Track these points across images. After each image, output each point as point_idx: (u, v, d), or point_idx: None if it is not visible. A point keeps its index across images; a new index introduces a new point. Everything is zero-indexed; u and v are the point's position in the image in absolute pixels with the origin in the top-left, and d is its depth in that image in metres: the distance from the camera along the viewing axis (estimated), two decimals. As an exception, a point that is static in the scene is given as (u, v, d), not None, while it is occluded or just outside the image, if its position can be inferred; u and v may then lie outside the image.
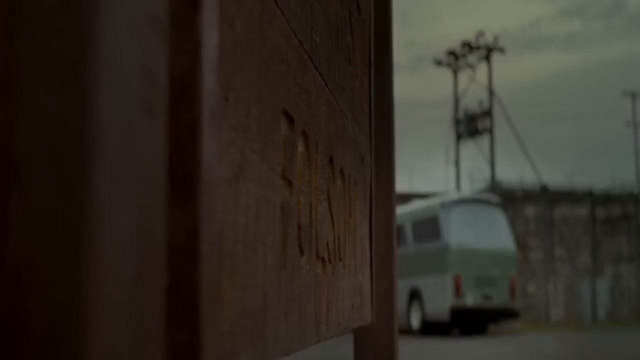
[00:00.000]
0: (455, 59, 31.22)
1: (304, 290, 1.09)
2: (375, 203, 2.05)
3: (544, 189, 29.82)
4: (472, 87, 30.99)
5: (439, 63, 31.49)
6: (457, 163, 31.35)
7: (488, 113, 30.10)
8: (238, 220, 0.77)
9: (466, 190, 28.52)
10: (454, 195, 21.24)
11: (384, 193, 2.08)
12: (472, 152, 31.35)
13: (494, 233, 18.71)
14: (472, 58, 30.90)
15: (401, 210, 21.56)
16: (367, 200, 1.91)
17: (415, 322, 18.92)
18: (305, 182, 1.13)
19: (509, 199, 29.70)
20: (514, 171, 32.31)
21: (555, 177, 31.79)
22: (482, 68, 30.45)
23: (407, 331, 19.29)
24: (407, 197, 27.12)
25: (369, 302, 1.94)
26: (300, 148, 1.11)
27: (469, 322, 18.41)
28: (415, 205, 21.06)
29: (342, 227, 1.48)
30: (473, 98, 31.01)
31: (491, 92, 29.88)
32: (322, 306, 1.22)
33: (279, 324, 0.92)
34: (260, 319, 0.84)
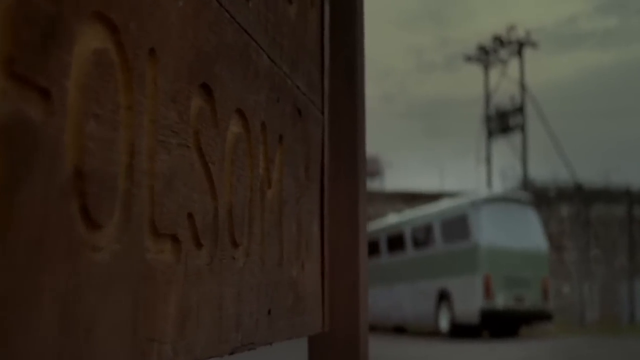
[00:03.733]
0: (486, 54, 30.42)
1: (93, 287, 0.63)
2: (333, 177, 1.58)
3: (578, 188, 28.95)
4: (505, 83, 30.23)
5: (469, 59, 30.74)
6: (488, 161, 30.58)
7: (520, 109, 29.32)
8: None
9: (498, 188, 27.80)
10: (484, 193, 20.56)
11: (346, 164, 1.61)
12: (504, 150, 30.54)
13: (525, 232, 18.04)
14: (503, 53, 30.09)
15: (429, 209, 20.98)
16: (313, 170, 1.44)
17: (444, 324, 18.33)
18: (110, 104, 0.67)
19: (542, 198, 28.87)
20: (547, 169, 31.46)
21: (590, 175, 30.75)
22: (515, 64, 29.55)
23: (435, 333, 18.70)
24: (437, 196, 26.50)
25: (319, 306, 1.47)
26: (96, 43, 0.65)
27: (499, 324, 17.76)
28: (444, 204, 20.45)
29: (241, 197, 1.01)
30: (506, 94, 30.17)
31: (523, 87, 29.10)
32: (165, 313, 0.76)
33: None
34: None
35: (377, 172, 39.58)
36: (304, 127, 1.36)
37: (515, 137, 29.97)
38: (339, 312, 1.58)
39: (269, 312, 1.11)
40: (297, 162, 1.31)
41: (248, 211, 1.05)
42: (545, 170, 30.29)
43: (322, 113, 1.51)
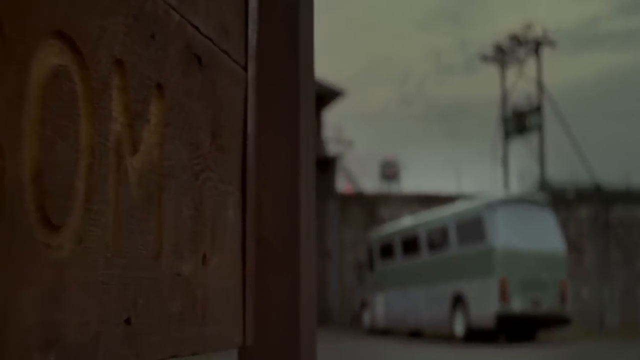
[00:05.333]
0: (503, 53, 29.89)
1: None
2: (267, 152, 1.28)
3: (598, 189, 28.40)
4: (523, 84, 29.70)
5: (485, 58, 30.24)
6: (505, 162, 30.06)
7: (537, 109, 28.79)
8: None
9: (515, 190, 27.32)
10: (499, 194, 20.12)
11: (284, 137, 1.30)
12: (522, 151, 29.96)
13: (542, 234, 17.60)
14: (520, 52, 29.55)
15: (444, 211, 20.59)
16: (227, 139, 1.13)
17: (459, 328, 17.93)
18: None
19: (560, 199, 28.33)
20: (566, 170, 30.83)
21: (610, 176, 30.11)
22: (532, 65, 28.95)
23: (451, 338, 18.30)
24: (454, 198, 26.10)
25: (236, 313, 1.16)
26: None
27: (516, 329, 17.32)
28: (460, 205, 20.06)
29: (65, 157, 0.71)
30: (523, 95, 29.59)
31: (540, 87, 28.58)
32: None
33: None
34: None
35: (395, 175, 39.25)
36: (209, 82, 1.06)
37: (533, 138, 29.43)
38: (272, 321, 1.28)
39: (128, 321, 0.81)
40: (196, 125, 1.01)
41: (84, 179, 0.74)
42: (564, 171, 29.75)
43: (245, 69, 1.20)
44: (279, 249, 1.31)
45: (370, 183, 33.23)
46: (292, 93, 1.31)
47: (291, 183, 1.33)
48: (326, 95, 30.84)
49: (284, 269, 1.31)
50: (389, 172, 39.04)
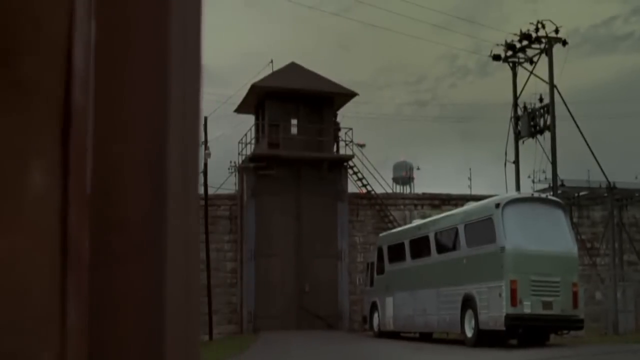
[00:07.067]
0: (514, 52, 29.32)
1: None
2: (107, 86, 0.93)
3: (611, 190, 27.86)
4: (536, 85, 29.08)
5: (496, 58, 29.67)
6: (517, 162, 29.53)
7: (550, 110, 28.26)
8: None
9: (527, 191, 26.84)
10: (509, 194, 19.67)
11: (147, 66, 0.96)
12: (535, 152, 29.36)
13: (553, 234, 17.15)
14: (532, 51, 28.97)
15: (454, 212, 20.21)
16: (32, 63, 0.78)
17: (469, 331, 17.51)
18: None
19: (573, 201, 27.84)
20: (579, 171, 30.21)
21: (623, 177, 29.43)
22: (545, 65, 28.24)
23: (460, 341, 17.90)
24: (466, 200, 25.67)
25: (50, 319, 0.82)
26: None
27: (527, 331, 16.87)
28: (469, 206, 19.66)
29: None
30: (537, 96, 28.92)
31: (553, 86, 28.08)
32: None
33: None
34: None
35: (407, 177, 38.89)
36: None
37: (546, 139, 28.88)
38: (129, 327, 0.93)
39: None
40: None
41: None
42: (577, 172, 29.25)
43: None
44: (140, 233, 0.97)
45: (382, 184, 32.81)
46: (158, 7, 0.97)
47: (160, 147, 0.98)
48: (340, 97, 30.46)
49: (145, 259, 0.96)
50: (402, 174, 38.65)
